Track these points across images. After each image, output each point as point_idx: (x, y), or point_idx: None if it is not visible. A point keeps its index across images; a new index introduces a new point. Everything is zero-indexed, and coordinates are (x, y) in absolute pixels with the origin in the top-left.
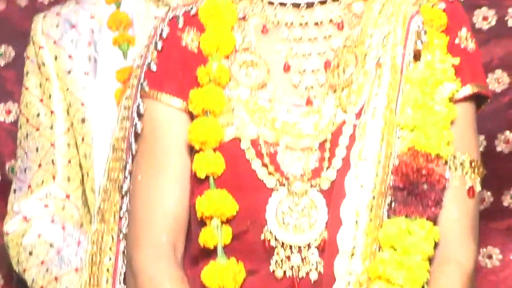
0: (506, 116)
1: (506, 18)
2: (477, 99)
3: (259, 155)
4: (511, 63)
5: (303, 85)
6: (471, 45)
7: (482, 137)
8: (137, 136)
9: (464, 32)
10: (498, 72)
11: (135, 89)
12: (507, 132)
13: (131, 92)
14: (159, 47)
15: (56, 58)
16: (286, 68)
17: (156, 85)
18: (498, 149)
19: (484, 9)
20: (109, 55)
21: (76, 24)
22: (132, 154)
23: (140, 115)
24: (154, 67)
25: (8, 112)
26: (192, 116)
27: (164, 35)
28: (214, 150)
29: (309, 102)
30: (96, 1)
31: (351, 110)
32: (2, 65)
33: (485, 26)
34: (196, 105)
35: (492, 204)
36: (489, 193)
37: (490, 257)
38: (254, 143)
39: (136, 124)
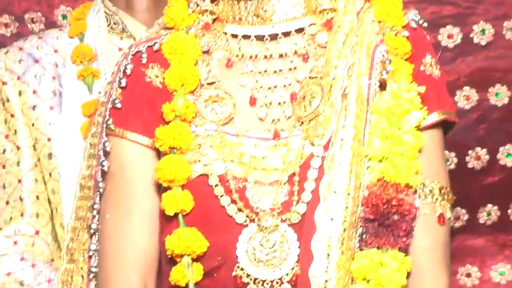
0: (476, 132)
1: (471, 35)
2: (445, 125)
3: (228, 191)
4: (478, 80)
5: (270, 118)
6: (436, 71)
7: (453, 154)
8: (104, 174)
9: (428, 58)
10: (466, 89)
11: (100, 127)
12: (478, 149)
13: (96, 129)
14: (123, 84)
15: (20, 93)
16: (252, 101)
17: (122, 123)
18: (470, 165)
19: (449, 27)
20: (74, 89)
21: (40, 59)
22: (99, 192)
23: (106, 153)
24: (118, 105)
25: None
26: (159, 153)
27: (128, 71)
28: (182, 187)
29: (276, 135)
30: (59, 35)
31: (318, 142)
32: None
33: (450, 44)
34: (163, 143)
35: (467, 222)
36: (463, 210)
37: (468, 275)
38: (222, 179)
39: (102, 162)
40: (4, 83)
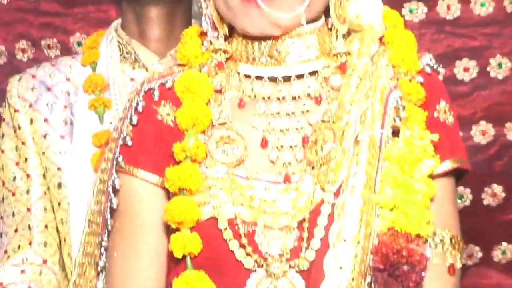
0: (492, 168)
1: (487, 69)
2: (457, 171)
3: (237, 235)
4: (495, 114)
5: (281, 161)
6: (449, 118)
7: (468, 190)
8: (112, 211)
9: (442, 105)
10: (483, 123)
11: (110, 163)
12: (494, 185)
13: (106, 165)
14: (134, 121)
15: (31, 121)
16: (264, 143)
17: (132, 161)
18: (485, 202)
19: (465, 60)
20: (85, 118)
21: (52, 87)
22: (107, 230)
23: (115, 191)
24: (129, 142)
25: None
26: (168, 191)
27: (140, 109)
28: (191, 229)
29: (287, 178)
30: (72, 63)
31: (329, 188)
32: None
33: (466, 77)
34: (172, 184)
35: (481, 260)
36: (477, 248)
37: None
38: (231, 223)
39: (111, 199)
40: (16, 111)
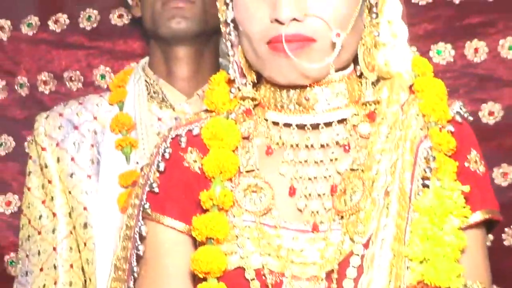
0: None
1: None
2: (488, 222)
3: (264, 286)
4: None
5: (309, 210)
6: (480, 167)
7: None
8: (138, 258)
9: (473, 154)
10: (504, 166)
11: (137, 209)
12: None
13: (133, 211)
14: (162, 168)
15: (58, 160)
16: (292, 192)
17: (159, 208)
18: (506, 243)
19: (490, 103)
20: (112, 158)
21: (79, 126)
22: (133, 277)
23: (142, 238)
24: (156, 189)
25: (8, 203)
26: (195, 239)
27: (167, 155)
28: (218, 279)
29: (315, 228)
30: (99, 102)
31: (358, 240)
32: (2, 155)
33: (491, 120)
34: (199, 233)
35: None
36: None
37: None
38: (259, 273)
39: (138, 246)
40: (43, 149)
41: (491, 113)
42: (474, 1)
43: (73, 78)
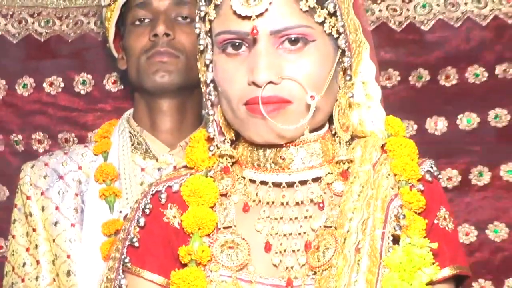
0: None
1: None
2: (459, 277)
3: None
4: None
5: (284, 266)
6: (449, 225)
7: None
8: None
9: (443, 212)
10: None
11: (117, 262)
12: None
13: (114, 264)
14: (142, 223)
15: (43, 209)
16: (267, 248)
17: (138, 262)
18: None
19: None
20: (95, 207)
21: (64, 175)
22: None
23: None
24: (136, 243)
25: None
26: None
27: (147, 211)
28: None
29: (289, 283)
30: (84, 152)
31: None
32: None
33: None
34: (178, 287)
35: None
36: None
37: None
38: None
39: None
40: (28, 198)
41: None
42: None
43: (68, 139)
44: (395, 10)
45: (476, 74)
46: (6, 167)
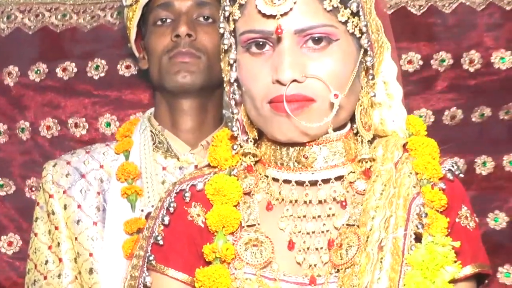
0: None
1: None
2: (480, 275)
3: None
4: None
5: (307, 263)
6: (471, 223)
7: None
8: None
9: (464, 210)
10: None
11: (141, 260)
12: None
13: (138, 262)
14: (166, 221)
15: (65, 207)
16: (291, 246)
17: (163, 260)
18: None
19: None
20: (117, 206)
21: (86, 174)
22: None
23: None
24: (161, 241)
25: (10, 243)
26: None
27: (171, 209)
28: None
29: (313, 281)
30: (105, 151)
31: None
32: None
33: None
34: (202, 285)
35: None
36: None
37: None
38: None
39: None
40: (51, 196)
41: None
42: None
43: (77, 125)
44: None
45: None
46: (8, 160)
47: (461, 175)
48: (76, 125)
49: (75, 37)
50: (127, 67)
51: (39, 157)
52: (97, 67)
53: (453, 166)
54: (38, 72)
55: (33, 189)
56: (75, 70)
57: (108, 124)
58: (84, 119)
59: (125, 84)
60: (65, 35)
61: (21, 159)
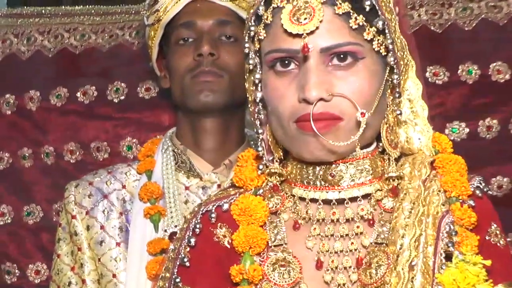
0: None
1: None
2: None
3: None
4: None
5: (335, 283)
6: (501, 241)
7: None
8: None
9: (493, 228)
10: None
11: (168, 282)
12: None
13: (164, 285)
14: (192, 243)
15: (88, 228)
16: (319, 265)
17: (190, 282)
18: None
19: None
20: (140, 226)
21: (108, 194)
22: None
23: None
24: (187, 263)
25: (37, 272)
26: None
27: (197, 231)
28: None
29: None
30: (127, 171)
31: None
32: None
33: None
34: None
35: None
36: None
37: None
38: None
39: None
40: (73, 217)
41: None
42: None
43: (100, 149)
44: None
45: None
46: (36, 182)
47: (489, 192)
48: (98, 149)
49: (93, 57)
50: (147, 89)
51: (64, 182)
52: (117, 89)
53: (480, 183)
54: (59, 96)
55: (59, 214)
56: (95, 93)
57: (130, 148)
58: (105, 143)
59: (145, 106)
60: (84, 55)
61: (46, 183)
